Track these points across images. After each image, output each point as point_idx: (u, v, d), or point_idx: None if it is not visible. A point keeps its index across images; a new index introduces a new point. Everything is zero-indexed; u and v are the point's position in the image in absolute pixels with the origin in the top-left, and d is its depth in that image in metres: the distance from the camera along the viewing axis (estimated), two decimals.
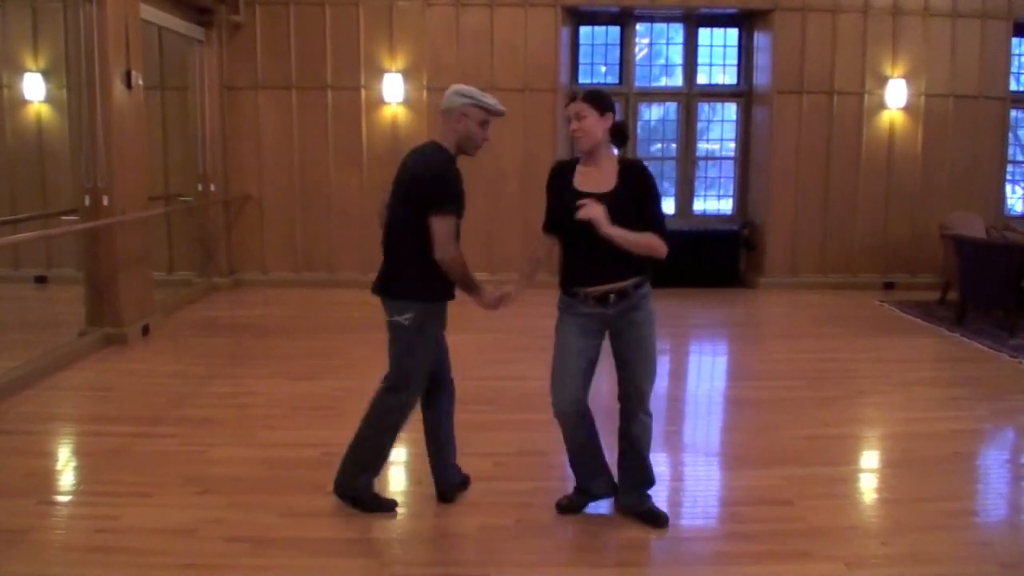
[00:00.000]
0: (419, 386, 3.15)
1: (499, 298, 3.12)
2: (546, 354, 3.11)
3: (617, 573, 2.83)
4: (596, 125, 2.89)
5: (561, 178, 3.01)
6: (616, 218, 2.80)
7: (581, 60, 8.69)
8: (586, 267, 2.95)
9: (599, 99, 2.91)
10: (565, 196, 2.93)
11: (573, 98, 2.95)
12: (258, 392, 4.78)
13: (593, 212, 2.77)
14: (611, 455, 3.20)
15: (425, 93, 8.03)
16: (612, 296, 2.93)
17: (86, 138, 5.64)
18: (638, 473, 3.15)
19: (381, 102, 8.08)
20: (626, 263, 2.90)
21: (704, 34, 8.73)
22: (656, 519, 3.11)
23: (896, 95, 8.15)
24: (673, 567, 2.86)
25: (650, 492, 3.18)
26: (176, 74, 8.03)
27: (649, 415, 3.09)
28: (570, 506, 3.23)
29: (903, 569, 2.81)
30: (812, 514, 3.21)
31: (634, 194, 2.89)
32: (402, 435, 4.19)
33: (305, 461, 3.71)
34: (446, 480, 3.30)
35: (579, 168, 3.00)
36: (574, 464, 3.22)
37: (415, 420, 4.33)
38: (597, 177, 2.93)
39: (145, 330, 6.02)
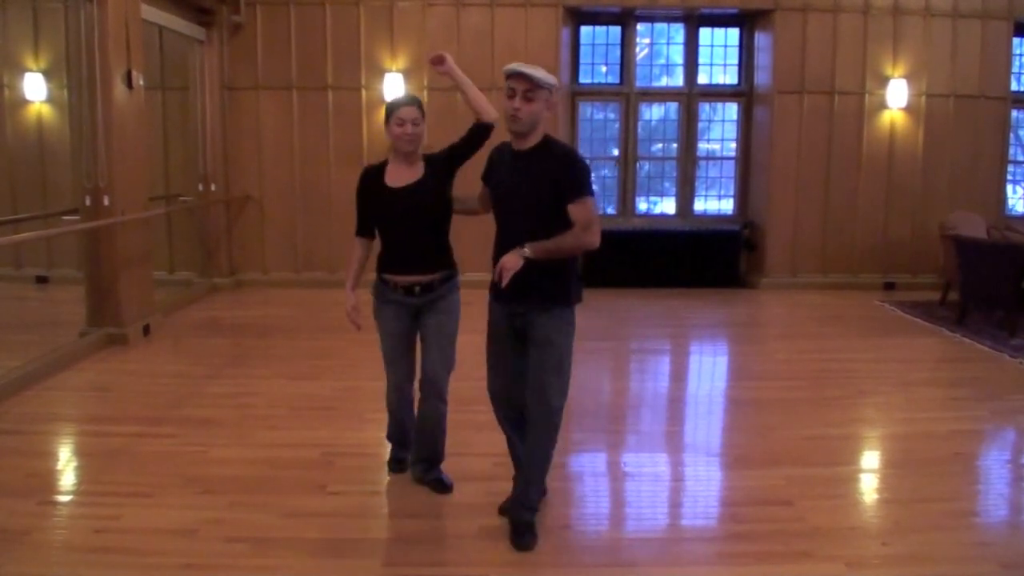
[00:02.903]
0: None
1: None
2: None
3: (617, 573, 2.82)
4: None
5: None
6: None
7: (582, 60, 8.69)
8: None
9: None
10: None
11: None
12: (258, 392, 4.78)
13: None
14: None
15: (426, 93, 8.01)
16: None
17: (87, 138, 5.64)
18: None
19: (382, 102, 8.06)
20: None
21: (705, 34, 8.72)
22: (440, 486, 3.37)
23: (897, 95, 8.14)
24: (673, 567, 2.85)
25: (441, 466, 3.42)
26: (177, 74, 8.03)
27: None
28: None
29: (903, 569, 2.81)
30: (812, 514, 3.21)
31: None
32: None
33: (305, 461, 3.71)
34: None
35: None
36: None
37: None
38: None
39: (146, 330, 6.02)
